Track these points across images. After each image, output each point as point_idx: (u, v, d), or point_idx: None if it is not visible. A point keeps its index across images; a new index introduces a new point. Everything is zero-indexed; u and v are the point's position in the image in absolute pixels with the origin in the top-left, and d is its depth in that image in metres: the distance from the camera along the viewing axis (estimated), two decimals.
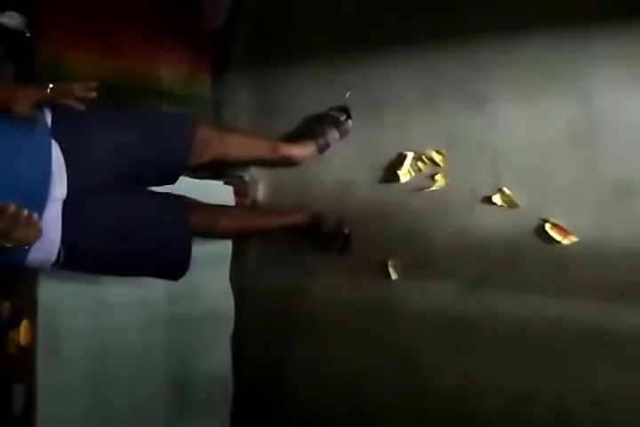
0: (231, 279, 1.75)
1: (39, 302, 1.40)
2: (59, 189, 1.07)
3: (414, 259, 1.53)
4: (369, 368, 1.59)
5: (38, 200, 1.03)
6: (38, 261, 1.11)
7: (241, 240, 1.73)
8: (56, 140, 1.08)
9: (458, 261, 1.49)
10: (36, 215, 0.90)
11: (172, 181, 1.34)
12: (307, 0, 1.75)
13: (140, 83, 1.60)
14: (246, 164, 1.66)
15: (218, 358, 1.72)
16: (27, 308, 1.44)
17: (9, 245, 0.90)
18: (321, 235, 1.55)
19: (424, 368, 1.52)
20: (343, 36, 1.65)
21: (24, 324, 1.45)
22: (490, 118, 1.46)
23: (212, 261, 1.69)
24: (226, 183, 1.78)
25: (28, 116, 0.98)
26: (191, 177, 1.60)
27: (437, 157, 1.51)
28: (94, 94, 1.01)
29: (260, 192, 1.80)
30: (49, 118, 1.10)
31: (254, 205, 1.77)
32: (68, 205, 1.09)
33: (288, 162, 1.56)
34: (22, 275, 1.45)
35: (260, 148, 1.50)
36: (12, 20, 1.63)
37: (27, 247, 0.98)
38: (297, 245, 1.69)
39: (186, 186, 1.46)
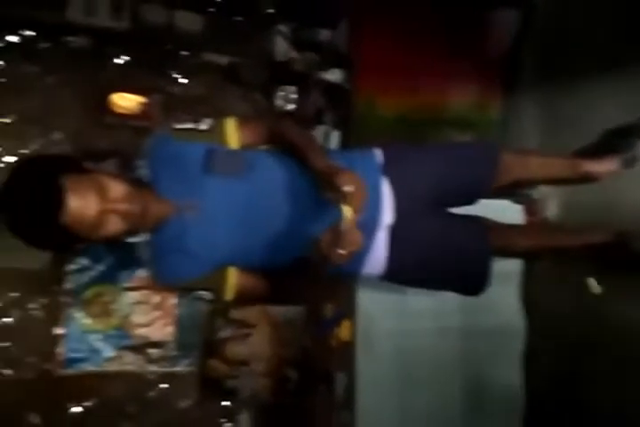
0: (522, 297, 1.77)
1: (359, 305, 1.68)
2: (387, 216, 1.29)
3: None
4: None
5: (373, 225, 1.26)
6: (369, 273, 1.34)
7: (535, 258, 1.74)
8: (386, 175, 1.31)
9: None
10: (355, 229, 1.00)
11: (471, 204, 1.46)
12: (591, 11, 1.69)
13: (436, 114, 1.79)
14: (545, 183, 1.66)
15: (508, 371, 1.76)
16: (347, 309, 1.75)
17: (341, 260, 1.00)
18: (629, 255, 1.45)
19: None
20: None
21: (345, 322, 1.76)
22: None
23: (502, 279, 1.74)
24: (515, 202, 1.82)
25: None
26: None
27: None
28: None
29: (551, 210, 1.78)
30: (381, 158, 1.34)
31: (545, 224, 1.76)
32: (393, 229, 1.30)
33: (589, 179, 1.51)
34: (343, 281, 1.77)
35: (560, 167, 1.49)
36: (333, 75, 2.04)
37: (366, 255, 1.23)
38: (594, 266, 1.61)
39: (476, 205, 1.57)
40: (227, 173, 1.15)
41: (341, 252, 0.98)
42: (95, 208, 0.96)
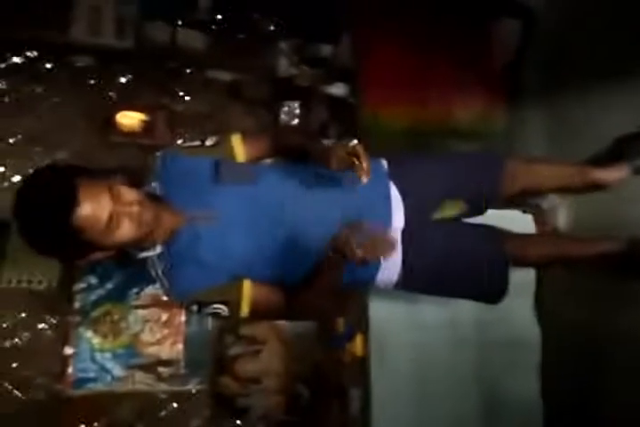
0: (537, 308, 1.75)
1: (371, 320, 1.66)
2: (397, 218, 1.29)
3: None
4: None
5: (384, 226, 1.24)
6: (384, 280, 1.33)
7: (548, 268, 1.72)
8: (394, 183, 1.31)
9: None
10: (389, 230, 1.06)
11: (482, 213, 1.45)
12: (598, 17, 1.70)
13: (441, 126, 1.80)
14: (553, 192, 1.66)
15: (526, 383, 1.73)
16: (360, 323, 1.74)
17: (367, 258, 1.02)
18: None
19: None
20: None
21: (358, 337, 1.74)
22: None
23: (516, 289, 1.72)
24: (524, 212, 1.81)
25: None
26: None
27: None
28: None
29: (561, 220, 1.77)
30: (387, 166, 1.35)
31: (556, 234, 1.75)
32: (405, 232, 1.30)
33: (598, 187, 1.51)
34: (357, 292, 1.75)
35: (568, 175, 1.48)
36: (338, 89, 2.06)
37: (381, 259, 1.20)
38: (608, 275, 1.59)
39: (485, 216, 1.56)
40: (236, 182, 1.16)
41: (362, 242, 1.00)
42: (108, 210, 0.95)
